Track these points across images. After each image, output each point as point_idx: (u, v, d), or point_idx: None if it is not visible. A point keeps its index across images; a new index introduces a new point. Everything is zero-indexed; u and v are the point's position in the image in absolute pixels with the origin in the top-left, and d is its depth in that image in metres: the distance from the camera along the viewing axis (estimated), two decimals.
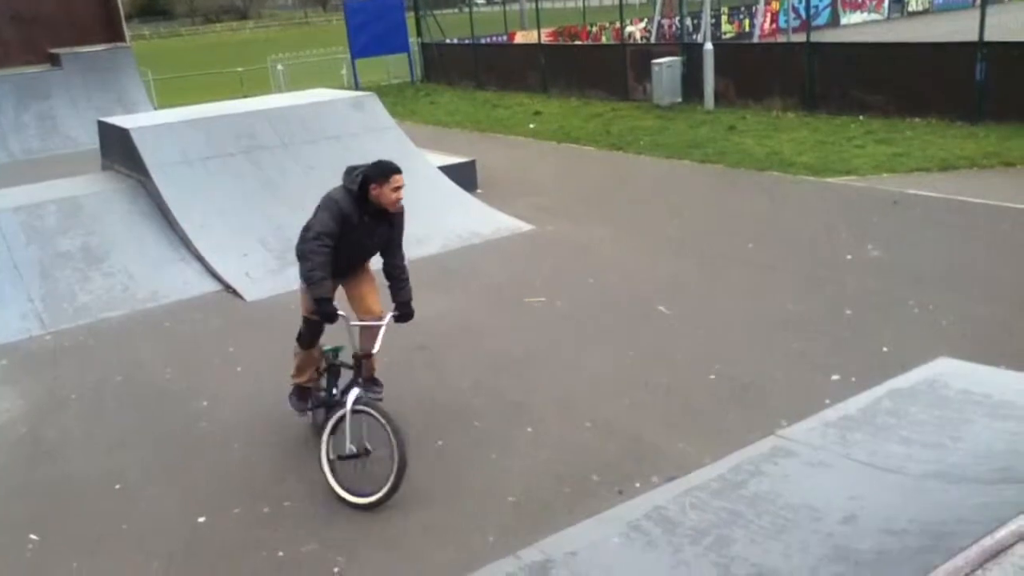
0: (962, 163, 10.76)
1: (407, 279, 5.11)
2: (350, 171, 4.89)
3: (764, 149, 12.54)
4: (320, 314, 4.75)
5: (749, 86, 16.02)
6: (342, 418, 4.74)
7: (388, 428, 4.56)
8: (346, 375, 5.12)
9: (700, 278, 7.83)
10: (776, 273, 7.73)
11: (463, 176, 11.49)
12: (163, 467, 5.36)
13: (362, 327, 5.08)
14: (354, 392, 4.79)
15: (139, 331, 7.66)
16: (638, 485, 4.63)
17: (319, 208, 4.85)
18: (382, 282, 5.20)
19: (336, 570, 4.22)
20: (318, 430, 5.05)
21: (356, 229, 4.81)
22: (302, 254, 4.83)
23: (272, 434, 5.62)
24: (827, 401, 5.03)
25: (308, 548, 4.40)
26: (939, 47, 14.11)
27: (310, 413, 5.45)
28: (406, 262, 5.14)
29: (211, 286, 8.68)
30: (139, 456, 5.50)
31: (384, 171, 4.79)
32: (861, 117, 13.90)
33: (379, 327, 4.94)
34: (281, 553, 4.38)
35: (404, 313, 5.05)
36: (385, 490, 4.57)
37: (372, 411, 4.69)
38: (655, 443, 5.14)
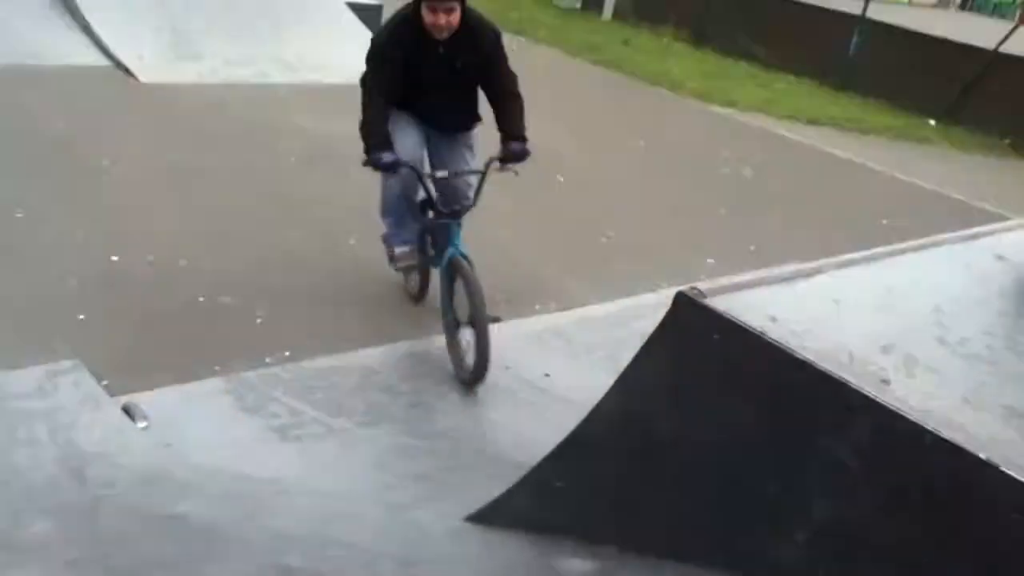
0: (827, 121, 11.76)
1: None
2: None
3: (656, 68, 13.08)
4: None
5: (647, 8, 16.54)
6: None
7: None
8: None
9: (593, 159, 8.29)
10: (662, 170, 8.32)
11: (367, 19, 11.30)
12: (68, 203, 5.25)
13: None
14: None
15: (24, 83, 7.22)
16: (537, 307, 5.08)
17: None
18: None
19: (258, 321, 4.41)
20: None
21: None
22: None
23: (183, 197, 5.62)
24: (702, 276, 5.66)
25: (226, 299, 4.55)
26: (823, 11, 15.04)
27: None
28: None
29: (99, 60, 8.25)
30: (40, 191, 5.35)
31: None
32: (743, 62, 14.72)
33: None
34: (201, 299, 4.50)
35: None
36: None
37: None
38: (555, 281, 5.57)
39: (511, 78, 4.25)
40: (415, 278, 4.79)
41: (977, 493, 1.80)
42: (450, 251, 4.08)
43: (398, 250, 4.48)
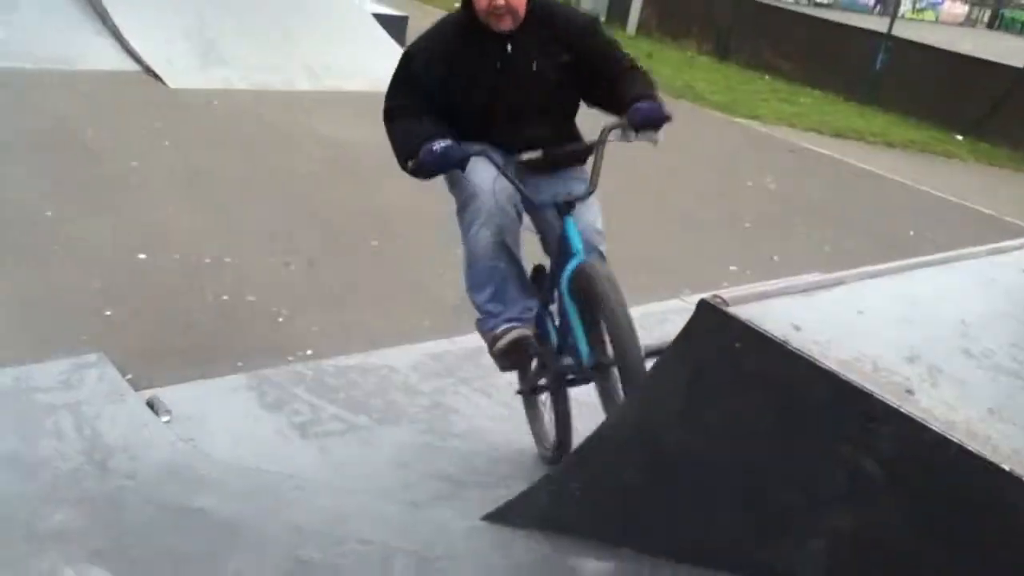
0: (852, 135, 11.73)
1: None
2: None
3: (680, 81, 13.11)
4: None
5: (671, 23, 16.57)
6: None
7: None
8: None
9: (616, 168, 8.28)
10: (684, 182, 8.31)
11: (393, 30, 11.41)
12: (97, 203, 5.33)
13: None
14: None
15: (54, 87, 7.34)
16: None
17: None
18: None
19: (280, 320, 4.44)
20: None
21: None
22: None
23: (209, 198, 5.68)
24: (725, 284, 5.64)
25: (250, 297, 4.59)
26: (849, 29, 15.03)
27: None
28: None
29: (129, 65, 8.37)
30: (69, 192, 5.43)
31: None
32: (766, 77, 14.71)
33: None
34: (226, 296, 4.54)
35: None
36: None
37: None
38: None
39: (628, 58, 3.12)
40: (545, 411, 3.29)
41: (1002, 505, 1.79)
42: (572, 263, 2.84)
43: (502, 327, 3.03)
